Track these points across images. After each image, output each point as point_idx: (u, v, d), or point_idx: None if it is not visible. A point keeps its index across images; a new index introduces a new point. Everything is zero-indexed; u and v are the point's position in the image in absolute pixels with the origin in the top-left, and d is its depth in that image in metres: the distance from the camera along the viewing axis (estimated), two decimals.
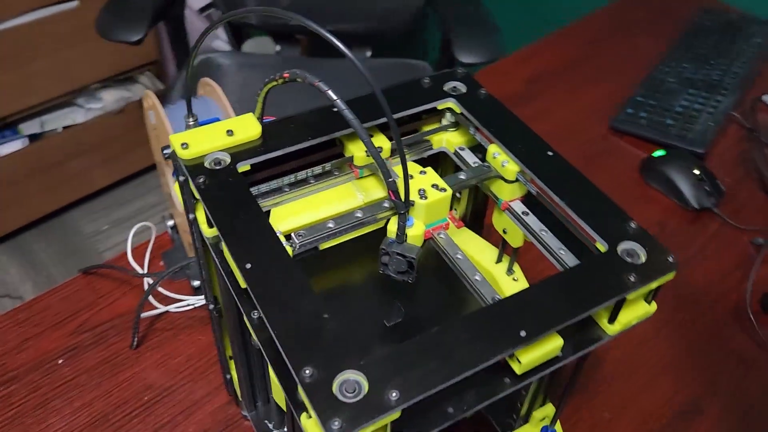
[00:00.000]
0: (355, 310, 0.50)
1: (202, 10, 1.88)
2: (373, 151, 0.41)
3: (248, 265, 0.39)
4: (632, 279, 0.40)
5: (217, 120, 0.52)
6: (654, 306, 0.44)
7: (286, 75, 0.42)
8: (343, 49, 0.38)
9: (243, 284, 0.39)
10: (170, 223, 0.80)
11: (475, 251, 0.55)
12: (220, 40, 1.85)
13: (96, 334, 0.72)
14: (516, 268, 0.55)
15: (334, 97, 0.40)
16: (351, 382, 0.34)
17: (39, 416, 0.64)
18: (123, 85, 1.78)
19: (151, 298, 0.72)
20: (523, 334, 0.37)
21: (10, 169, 1.63)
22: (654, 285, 0.41)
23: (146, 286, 0.74)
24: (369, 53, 1.52)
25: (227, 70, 1.35)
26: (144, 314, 0.72)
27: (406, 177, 0.42)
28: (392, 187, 0.42)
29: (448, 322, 0.37)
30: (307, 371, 0.34)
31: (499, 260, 0.54)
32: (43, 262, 1.71)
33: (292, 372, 0.35)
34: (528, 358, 0.39)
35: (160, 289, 0.72)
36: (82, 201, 1.84)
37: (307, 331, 0.36)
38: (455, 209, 0.59)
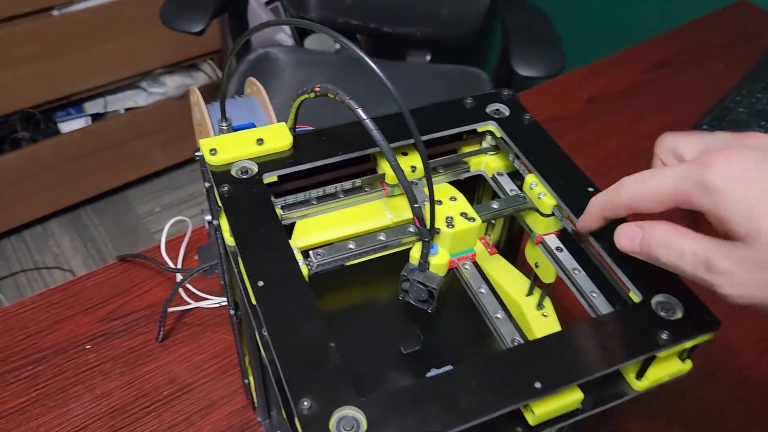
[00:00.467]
0: (371, 332, 0.48)
1: (268, 2, 1.90)
2: (400, 175, 0.39)
3: (260, 283, 0.38)
4: (664, 336, 0.37)
5: (252, 126, 0.51)
6: (689, 364, 0.41)
7: (317, 89, 0.41)
8: (371, 64, 0.36)
9: (254, 301, 0.38)
10: (208, 218, 0.80)
11: (505, 281, 0.53)
12: (284, 34, 1.86)
13: (125, 323, 0.73)
14: (547, 302, 0.52)
15: (364, 117, 0.39)
16: (349, 419, 0.33)
17: (60, 400, 0.65)
18: (186, 72, 1.82)
19: (182, 293, 0.73)
20: (538, 385, 0.35)
21: (73, 146, 1.68)
22: (689, 345, 0.38)
23: (178, 280, 0.75)
24: (428, 57, 1.50)
25: (285, 66, 1.35)
26: (174, 308, 0.72)
27: (432, 204, 0.41)
28: (417, 214, 0.40)
29: (460, 365, 0.35)
30: (305, 403, 0.33)
31: (529, 293, 0.52)
32: (95, 238, 1.76)
33: (290, 402, 0.33)
34: (543, 409, 0.37)
35: (189, 286, 0.72)
36: (139, 182, 1.89)
37: (310, 359, 0.35)
38: (489, 234, 0.57)
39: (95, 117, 1.72)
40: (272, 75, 1.33)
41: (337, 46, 1.54)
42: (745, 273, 0.32)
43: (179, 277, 0.72)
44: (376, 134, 0.38)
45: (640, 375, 0.39)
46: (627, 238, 0.37)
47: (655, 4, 1.48)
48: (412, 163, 0.49)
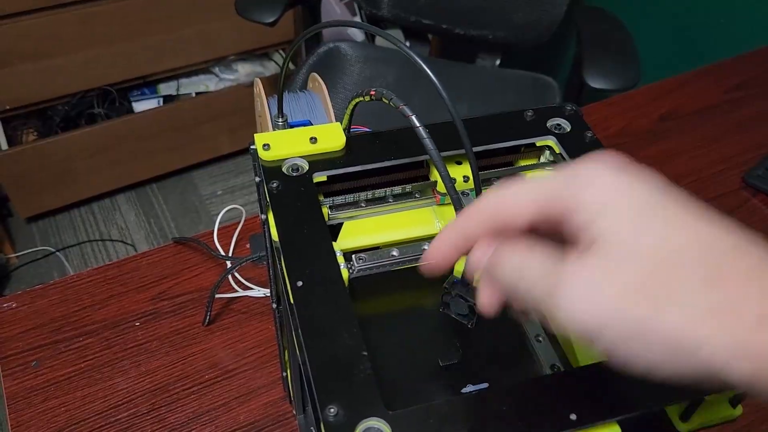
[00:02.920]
0: (410, 340, 0.47)
1: None
2: (448, 184, 0.38)
3: (299, 283, 0.38)
4: None
5: (308, 124, 0.51)
6: (739, 410, 0.38)
7: (372, 92, 0.40)
8: (428, 71, 0.36)
9: (291, 300, 0.38)
10: None
11: None
12: (356, 29, 1.87)
13: (175, 304, 0.74)
14: None
15: (417, 124, 0.38)
16: (374, 431, 0.32)
17: (106, 374, 0.67)
18: (258, 61, 1.85)
19: (231, 280, 0.74)
20: (573, 417, 0.33)
21: (144, 125, 1.74)
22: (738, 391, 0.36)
23: (228, 267, 0.76)
24: (498, 62, 1.48)
25: (353, 61, 1.35)
26: (222, 295, 0.73)
27: None
28: None
29: (494, 387, 0.34)
30: (332, 410, 0.33)
31: None
32: (158, 216, 1.82)
33: (318, 407, 0.33)
34: None
35: (237, 274, 0.73)
36: (204, 164, 1.93)
37: (341, 366, 0.34)
38: None
39: (167, 98, 1.77)
40: (340, 69, 1.33)
41: (407, 44, 1.53)
42: (591, 283, 0.27)
43: (228, 264, 0.73)
44: (428, 142, 0.38)
45: (685, 417, 0.37)
46: (480, 251, 0.32)
47: (744, 22, 1.41)
48: (464, 173, 0.48)
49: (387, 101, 0.39)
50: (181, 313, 0.73)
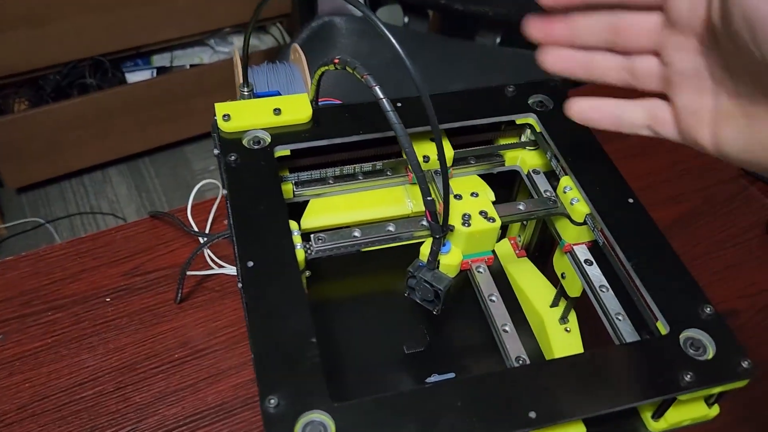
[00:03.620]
0: (375, 325, 0.45)
1: None
2: (413, 161, 0.35)
3: (250, 263, 0.36)
4: (688, 378, 0.33)
5: (277, 95, 0.49)
6: (715, 410, 0.36)
7: (336, 60, 0.37)
8: (386, 32, 0.33)
9: (241, 282, 0.36)
10: None
11: (529, 288, 0.49)
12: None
13: (147, 280, 0.72)
14: (572, 316, 0.48)
15: (380, 95, 0.35)
16: (316, 425, 0.30)
17: (73, 349, 0.65)
18: (254, 34, 1.81)
19: (207, 257, 0.72)
20: (532, 415, 0.31)
21: (137, 96, 1.70)
22: (716, 390, 0.33)
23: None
24: (498, 40, 1.44)
25: (348, 35, 1.32)
26: (196, 272, 0.71)
27: (447, 198, 0.37)
28: (430, 207, 0.37)
29: (448, 380, 0.32)
30: (272, 401, 0.30)
31: (554, 304, 0.48)
32: (149, 189, 1.79)
33: (259, 397, 0.31)
34: None
35: (209, 252, 0.71)
36: (198, 138, 1.90)
37: (287, 354, 0.32)
38: (520, 236, 0.53)
39: (161, 70, 1.73)
40: (333, 44, 1.30)
41: (406, 19, 1.49)
42: None
43: (201, 241, 0.71)
44: (392, 116, 0.35)
45: (657, 415, 0.35)
46: None
47: None
48: None
49: (351, 70, 0.37)
50: (154, 290, 0.71)
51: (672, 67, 0.32)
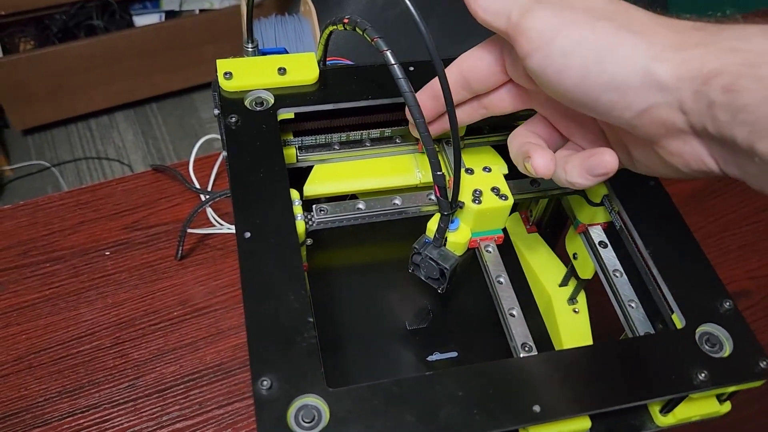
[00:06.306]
0: (378, 299, 0.44)
1: None
2: (422, 131, 0.33)
3: (247, 234, 0.34)
4: (702, 376, 0.31)
5: (284, 52, 0.46)
6: (727, 406, 0.35)
7: (345, 20, 0.35)
8: None
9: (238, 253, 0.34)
10: None
11: (538, 265, 0.47)
12: None
13: (148, 235, 0.71)
14: (581, 297, 0.46)
15: (392, 61, 0.33)
16: (310, 409, 0.29)
17: (71, 302, 0.64)
18: None
19: (210, 214, 0.70)
20: (536, 409, 0.29)
21: (145, 40, 1.66)
22: (730, 389, 0.32)
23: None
24: None
25: None
26: (198, 230, 0.70)
27: (458, 172, 0.35)
28: (439, 182, 0.35)
29: (449, 370, 0.30)
30: (265, 382, 0.29)
31: (563, 284, 0.46)
32: (156, 137, 1.77)
33: (251, 378, 0.29)
34: None
35: (210, 210, 0.69)
36: (206, 86, 1.86)
37: (282, 333, 0.31)
38: (531, 210, 0.51)
39: (169, 14, 1.69)
40: None
41: None
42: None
43: (203, 198, 0.69)
44: (402, 83, 0.33)
45: (666, 410, 0.34)
46: None
47: None
48: None
49: (361, 32, 0.34)
50: (154, 245, 0.70)
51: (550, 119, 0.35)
